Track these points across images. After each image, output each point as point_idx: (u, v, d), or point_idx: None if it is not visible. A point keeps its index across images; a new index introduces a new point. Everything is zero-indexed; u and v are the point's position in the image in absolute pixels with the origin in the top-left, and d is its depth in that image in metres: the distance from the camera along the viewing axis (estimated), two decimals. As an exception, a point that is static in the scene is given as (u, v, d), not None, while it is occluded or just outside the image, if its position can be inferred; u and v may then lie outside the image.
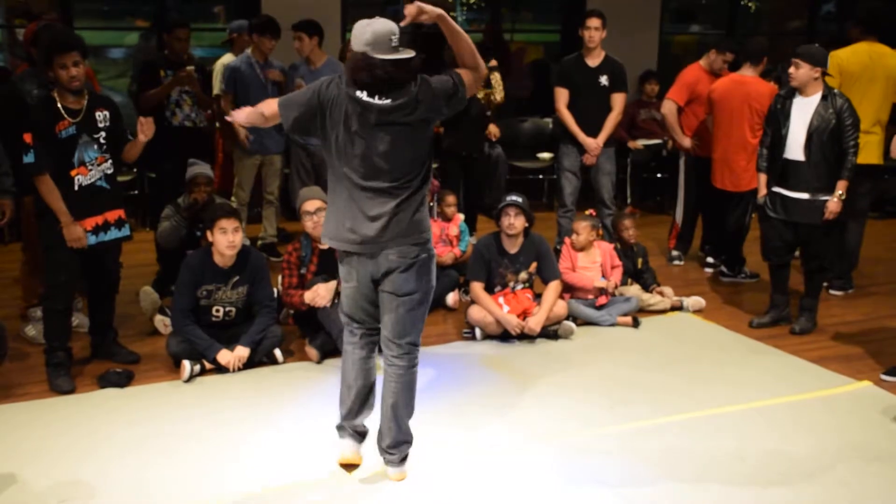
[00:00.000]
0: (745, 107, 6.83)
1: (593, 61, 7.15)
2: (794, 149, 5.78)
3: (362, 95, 3.62)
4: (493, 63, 7.82)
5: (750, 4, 12.27)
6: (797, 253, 6.13)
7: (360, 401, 4.04)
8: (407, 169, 3.74)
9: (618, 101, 7.20)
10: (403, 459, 4.02)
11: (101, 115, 4.97)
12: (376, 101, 3.62)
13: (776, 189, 5.90)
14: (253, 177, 7.47)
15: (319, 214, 5.45)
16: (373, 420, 4.09)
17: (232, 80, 7.22)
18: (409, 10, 3.62)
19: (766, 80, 7.18)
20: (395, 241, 3.75)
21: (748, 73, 6.93)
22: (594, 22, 7.04)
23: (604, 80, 7.12)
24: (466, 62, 3.79)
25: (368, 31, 3.58)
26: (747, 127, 6.85)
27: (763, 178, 6.00)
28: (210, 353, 5.15)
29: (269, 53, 7.28)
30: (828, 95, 5.70)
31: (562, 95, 7.20)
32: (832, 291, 6.84)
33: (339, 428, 4.10)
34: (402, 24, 3.66)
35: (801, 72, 5.69)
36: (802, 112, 5.74)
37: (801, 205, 5.78)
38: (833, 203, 5.66)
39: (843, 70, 6.53)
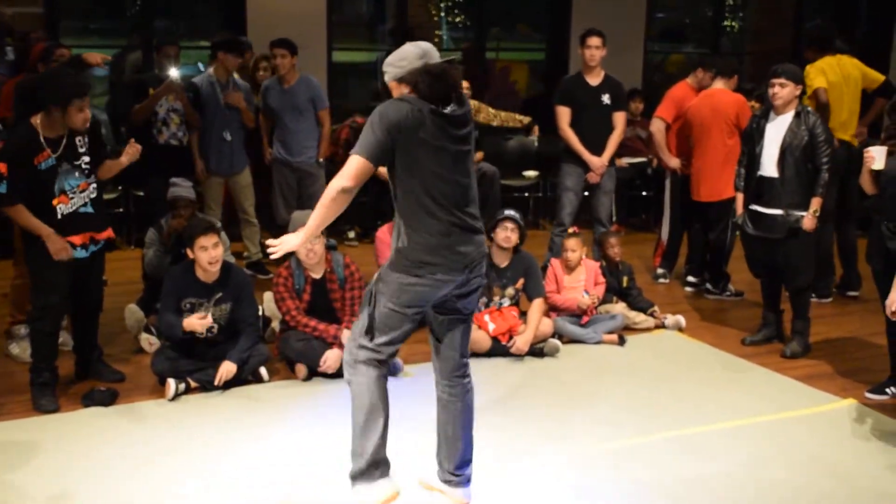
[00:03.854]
0: (714, 116, 6.98)
1: (594, 80, 7.18)
2: (768, 166, 5.86)
3: (444, 109, 3.54)
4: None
5: (733, 24, 12.37)
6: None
7: (386, 429, 3.83)
8: (473, 181, 3.74)
9: (620, 119, 7.24)
10: (469, 479, 3.96)
11: (80, 140, 4.93)
12: (450, 111, 3.56)
13: (752, 207, 5.97)
14: (219, 195, 7.43)
15: (314, 242, 5.40)
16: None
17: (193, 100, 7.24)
18: (274, 248, 3.70)
19: (748, 99, 7.33)
20: (479, 257, 3.72)
21: (719, 85, 7.10)
22: (595, 41, 7.06)
23: (605, 98, 7.15)
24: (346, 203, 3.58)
25: (416, 48, 3.57)
26: (717, 135, 6.98)
27: (740, 196, 6.09)
28: (176, 330, 5.15)
29: (233, 71, 7.27)
30: (801, 113, 5.80)
31: (564, 114, 7.21)
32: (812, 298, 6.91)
33: (371, 466, 3.78)
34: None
35: (786, 91, 5.77)
36: (776, 129, 5.84)
37: (775, 221, 5.84)
38: (808, 219, 5.72)
39: (828, 80, 6.87)
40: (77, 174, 4.90)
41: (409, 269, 3.59)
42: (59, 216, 4.85)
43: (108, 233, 5.14)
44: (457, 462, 3.92)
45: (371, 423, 3.74)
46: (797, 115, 5.79)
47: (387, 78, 3.63)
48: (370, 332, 3.68)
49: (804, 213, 5.73)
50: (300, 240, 3.66)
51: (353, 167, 3.48)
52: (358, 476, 3.81)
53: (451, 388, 3.88)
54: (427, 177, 3.55)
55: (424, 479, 4.06)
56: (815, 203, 5.72)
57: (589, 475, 4.27)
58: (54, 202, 4.83)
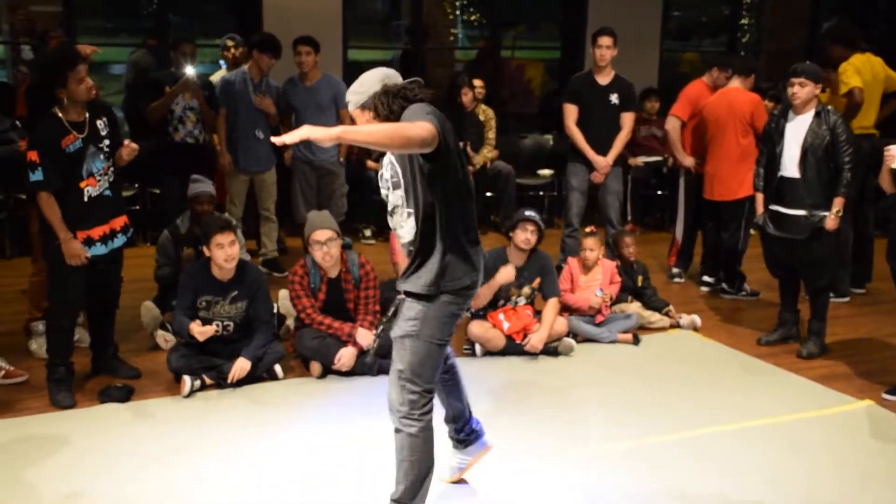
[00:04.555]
0: (730, 115, 6.96)
1: (604, 79, 7.16)
2: (790, 166, 5.82)
3: None
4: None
5: (750, 22, 12.32)
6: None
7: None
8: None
9: (627, 120, 7.23)
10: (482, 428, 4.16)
11: (101, 123, 5.00)
12: None
13: (773, 207, 5.94)
14: (244, 193, 7.48)
15: (331, 245, 5.41)
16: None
17: (223, 95, 7.27)
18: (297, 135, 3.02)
19: (763, 98, 7.34)
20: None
21: (735, 84, 7.10)
22: (606, 40, 7.05)
23: (614, 98, 7.14)
24: (395, 148, 3.20)
25: (377, 73, 3.45)
26: (732, 134, 6.96)
27: (760, 197, 6.06)
28: (183, 328, 5.18)
29: (267, 71, 7.31)
30: (821, 112, 5.75)
31: (571, 112, 7.20)
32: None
33: None
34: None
35: (806, 90, 5.72)
36: (797, 130, 5.79)
37: (797, 221, 5.81)
38: (830, 220, 5.69)
39: (863, 79, 6.89)
40: (102, 157, 4.96)
41: (450, 300, 3.45)
42: (86, 198, 4.90)
43: (124, 218, 5.18)
44: (469, 414, 4.05)
45: (428, 481, 3.62)
46: (817, 114, 5.75)
47: (350, 108, 3.50)
48: (419, 376, 3.48)
49: (827, 214, 5.70)
50: (325, 135, 2.97)
51: (430, 128, 3.12)
52: None
53: (446, 370, 3.92)
54: (455, 185, 3.42)
55: (443, 475, 4.10)
56: (838, 203, 5.68)
57: (601, 475, 4.26)
58: (82, 184, 4.88)
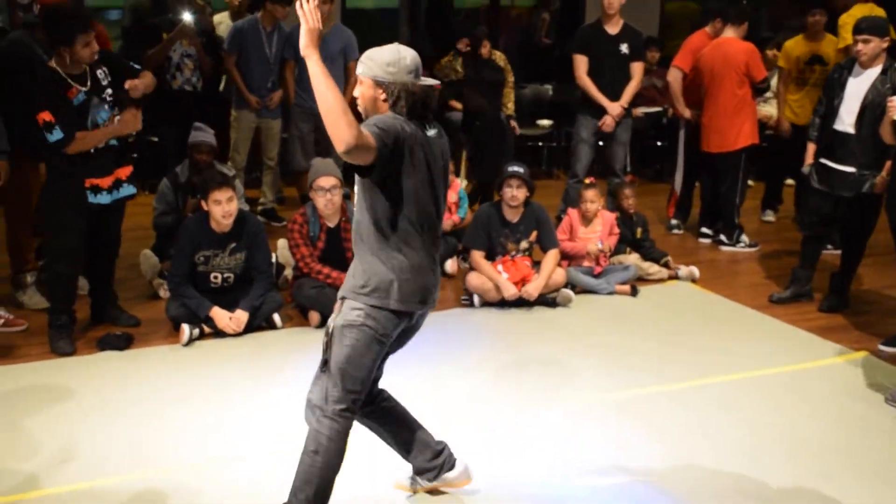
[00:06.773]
0: (725, 66, 6.91)
1: (613, 29, 7.10)
2: (846, 120, 5.64)
3: (428, 132, 3.21)
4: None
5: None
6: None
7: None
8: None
9: (637, 69, 7.19)
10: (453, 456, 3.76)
11: (102, 73, 4.94)
12: (431, 133, 3.23)
13: (823, 160, 5.78)
14: (249, 140, 7.44)
15: (334, 192, 5.39)
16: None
17: (235, 42, 7.21)
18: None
19: (767, 47, 7.26)
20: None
21: (729, 34, 7.04)
22: None
23: (624, 48, 7.09)
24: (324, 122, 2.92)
25: (410, 60, 3.14)
26: (728, 84, 6.92)
27: (812, 147, 5.91)
28: (202, 310, 5.17)
29: (283, 20, 7.23)
30: (888, 70, 5.54)
31: (581, 63, 7.14)
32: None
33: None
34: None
35: (871, 46, 5.51)
36: (859, 85, 5.59)
37: (845, 178, 5.66)
38: (880, 182, 5.49)
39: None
40: (106, 107, 4.93)
41: (381, 300, 3.20)
42: (93, 149, 4.88)
43: (130, 168, 5.16)
44: (436, 448, 3.67)
45: (331, 485, 3.34)
46: (884, 71, 5.53)
47: (362, 71, 3.15)
48: (348, 375, 3.25)
49: (876, 174, 5.51)
50: (306, 42, 2.91)
51: (369, 143, 2.92)
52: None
53: (382, 395, 3.63)
54: (417, 201, 3.20)
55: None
56: (889, 167, 5.42)
57: (594, 425, 4.30)
58: None
